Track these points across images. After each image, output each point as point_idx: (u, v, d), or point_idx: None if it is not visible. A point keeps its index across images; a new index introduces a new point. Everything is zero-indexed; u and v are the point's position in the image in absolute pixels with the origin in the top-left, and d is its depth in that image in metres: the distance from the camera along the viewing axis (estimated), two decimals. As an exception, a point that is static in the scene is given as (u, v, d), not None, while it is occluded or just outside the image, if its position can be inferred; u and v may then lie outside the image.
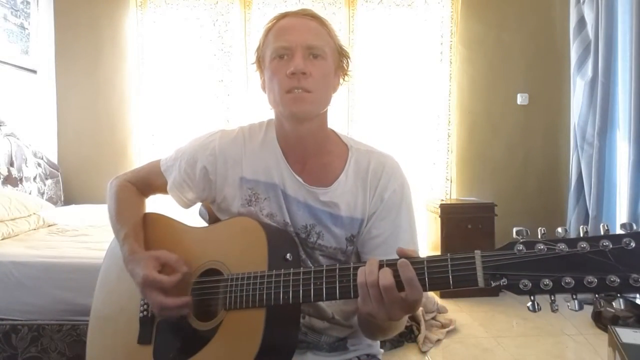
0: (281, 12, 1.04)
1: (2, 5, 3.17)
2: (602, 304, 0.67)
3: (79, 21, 3.71)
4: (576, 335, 2.66)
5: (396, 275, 0.77)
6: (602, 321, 2.69)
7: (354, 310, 1.08)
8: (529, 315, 2.93)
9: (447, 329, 2.69)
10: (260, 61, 1.06)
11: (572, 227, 3.49)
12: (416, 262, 0.77)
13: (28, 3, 3.43)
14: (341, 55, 1.05)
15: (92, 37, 3.71)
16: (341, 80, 1.08)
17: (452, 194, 3.81)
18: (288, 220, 1.04)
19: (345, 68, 1.07)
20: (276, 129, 1.08)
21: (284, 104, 0.98)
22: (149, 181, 1.20)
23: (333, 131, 1.11)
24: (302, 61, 0.96)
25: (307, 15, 1.02)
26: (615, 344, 1.86)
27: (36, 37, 3.51)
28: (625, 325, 2.52)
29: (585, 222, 3.43)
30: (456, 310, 3.05)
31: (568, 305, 0.69)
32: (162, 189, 1.17)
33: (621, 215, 3.23)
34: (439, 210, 3.40)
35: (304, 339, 1.04)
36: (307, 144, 1.04)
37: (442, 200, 3.67)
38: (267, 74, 1.01)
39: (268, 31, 1.03)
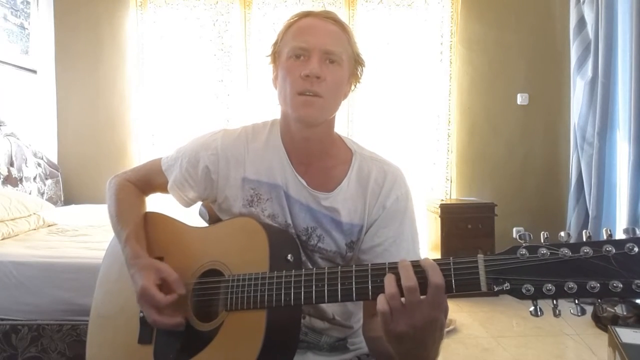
0: (304, 11, 1.04)
1: (2, 5, 3.16)
2: (603, 310, 0.67)
3: (79, 21, 3.71)
4: (576, 335, 2.67)
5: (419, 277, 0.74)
6: (602, 321, 2.69)
7: (354, 311, 1.08)
8: (529, 315, 2.93)
9: (447, 329, 2.69)
10: (275, 56, 1.04)
11: (573, 227, 3.50)
12: (418, 266, 0.76)
13: (28, 3, 3.42)
14: (357, 63, 1.04)
15: (92, 37, 3.71)
16: (352, 87, 1.07)
17: (452, 194, 3.81)
18: (290, 221, 1.04)
19: (359, 76, 1.06)
20: (281, 128, 1.07)
21: (294, 105, 0.97)
22: (149, 180, 1.19)
23: (339, 136, 1.10)
24: (318, 65, 0.95)
25: (330, 18, 1.01)
26: (615, 344, 1.86)
27: (36, 37, 3.50)
28: (625, 325, 2.52)
29: (585, 222, 3.43)
30: (456, 310, 3.05)
31: (571, 310, 0.69)
32: (162, 187, 1.17)
33: (621, 215, 3.23)
34: (439, 210, 3.40)
35: (305, 339, 1.04)
36: (312, 146, 1.04)
37: (442, 200, 3.66)
38: (281, 72, 1.00)
39: (288, 27, 1.02)
